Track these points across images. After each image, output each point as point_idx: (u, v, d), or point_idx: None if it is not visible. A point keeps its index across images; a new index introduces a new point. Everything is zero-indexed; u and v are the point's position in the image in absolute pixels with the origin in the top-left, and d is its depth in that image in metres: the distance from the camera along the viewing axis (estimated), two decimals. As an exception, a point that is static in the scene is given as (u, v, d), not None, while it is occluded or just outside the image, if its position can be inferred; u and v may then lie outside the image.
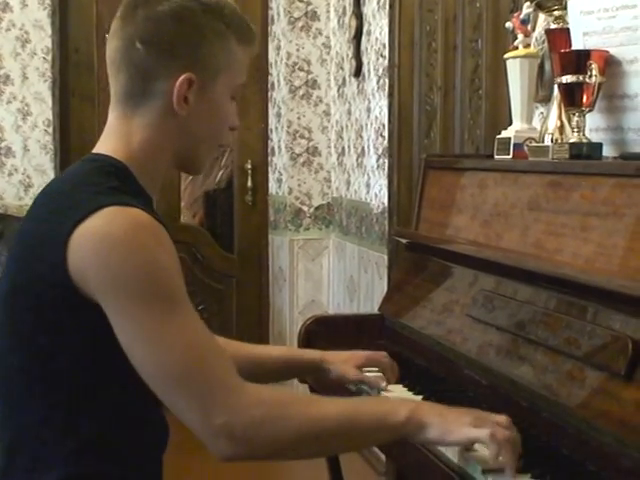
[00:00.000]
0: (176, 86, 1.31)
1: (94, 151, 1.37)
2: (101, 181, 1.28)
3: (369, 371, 1.68)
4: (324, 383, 1.68)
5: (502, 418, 1.26)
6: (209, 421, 1.19)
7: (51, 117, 4.19)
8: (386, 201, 3.39)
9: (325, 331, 2.03)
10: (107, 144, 1.36)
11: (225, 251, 4.48)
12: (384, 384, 1.63)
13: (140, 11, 1.33)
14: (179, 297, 1.23)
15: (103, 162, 1.33)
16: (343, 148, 4.03)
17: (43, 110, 4.20)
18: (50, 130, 4.20)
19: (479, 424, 1.24)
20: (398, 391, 1.64)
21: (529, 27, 2.06)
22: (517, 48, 2.03)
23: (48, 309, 1.24)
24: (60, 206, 1.26)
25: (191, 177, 4.78)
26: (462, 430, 1.24)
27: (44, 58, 4.20)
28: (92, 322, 1.21)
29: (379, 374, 1.67)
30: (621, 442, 1.19)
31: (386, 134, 3.40)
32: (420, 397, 1.59)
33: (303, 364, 1.67)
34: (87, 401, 1.26)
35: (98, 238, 1.19)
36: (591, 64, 1.65)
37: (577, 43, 1.74)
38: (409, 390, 1.64)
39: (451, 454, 1.32)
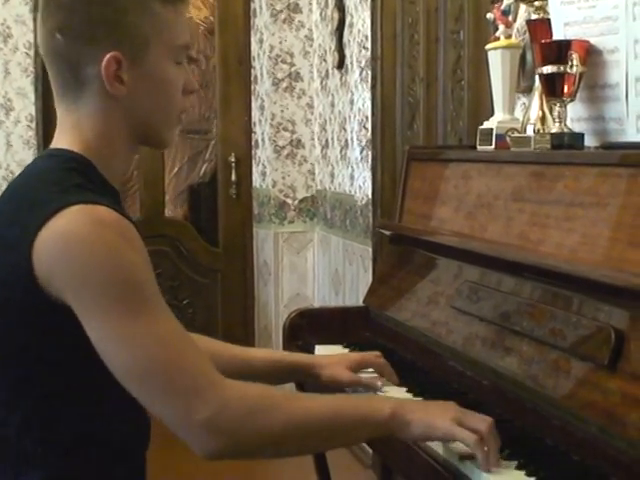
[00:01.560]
0: (103, 68, 1.27)
1: (53, 146, 1.34)
2: (64, 178, 1.25)
3: (364, 372, 1.65)
4: (316, 387, 1.66)
5: (485, 418, 1.26)
6: (190, 417, 1.16)
7: (34, 112, 4.17)
8: (370, 193, 3.39)
9: (310, 324, 2.02)
10: (62, 139, 1.32)
11: (210, 245, 4.47)
12: (380, 384, 1.60)
13: (52, 2, 1.31)
14: (149, 294, 1.20)
15: (63, 157, 1.29)
16: (327, 140, 4.03)
17: (26, 105, 4.17)
18: (33, 125, 4.18)
19: (463, 421, 1.24)
20: (394, 391, 1.62)
21: (510, 18, 2.06)
22: (498, 39, 2.03)
23: (16, 312, 1.21)
24: (23, 205, 1.23)
25: (175, 171, 4.77)
26: (446, 427, 1.24)
27: (26, 53, 4.17)
28: (62, 323, 1.19)
29: (374, 375, 1.64)
30: (605, 432, 1.19)
31: (369, 126, 3.39)
32: (420, 399, 1.56)
33: (294, 367, 1.63)
34: (65, 404, 1.24)
35: (63, 239, 1.17)
36: (572, 54, 1.65)
37: (558, 33, 1.74)
38: (408, 392, 1.61)
39: (435, 445, 1.32)
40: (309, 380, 1.65)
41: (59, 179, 1.25)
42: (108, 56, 1.27)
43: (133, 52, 1.28)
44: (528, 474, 1.20)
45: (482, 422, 1.24)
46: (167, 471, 1.63)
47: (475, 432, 1.22)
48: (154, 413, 1.21)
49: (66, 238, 1.17)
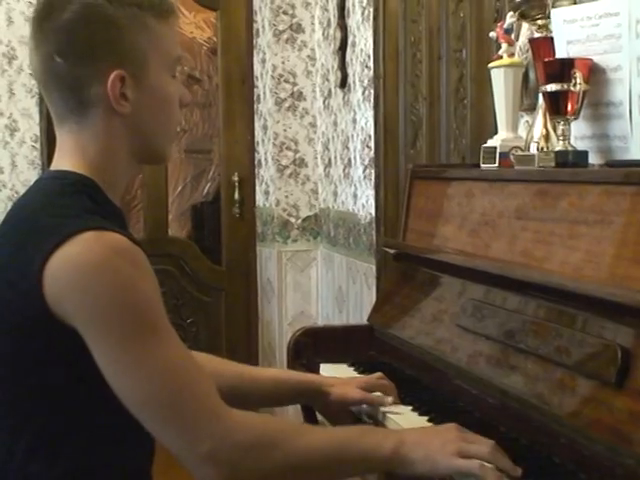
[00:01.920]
0: (109, 87, 1.27)
1: (55, 167, 1.33)
2: (73, 202, 1.25)
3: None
4: (323, 406, 1.66)
5: (487, 442, 1.26)
6: (194, 448, 1.17)
7: (38, 133, 4.18)
8: (373, 211, 3.40)
9: (314, 343, 2.02)
10: (64, 161, 1.32)
11: (213, 263, 4.47)
12: (389, 400, 1.60)
13: (46, 25, 1.28)
14: (159, 324, 1.20)
15: (69, 179, 1.29)
16: (329, 159, 4.03)
17: (30, 126, 4.19)
18: (37, 146, 4.19)
19: (465, 452, 1.24)
20: (400, 409, 1.61)
21: (513, 36, 2.07)
22: (501, 57, 2.04)
23: (25, 337, 1.21)
24: (33, 230, 1.22)
25: (178, 190, 4.78)
26: (449, 462, 1.24)
27: (31, 74, 4.16)
28: (71, 348, 1.19)
29: (379, 394, 1.65)
30: (613, 450, 1.18)
31: (372, 145, 3.40)
32: (425, 418, 1.56)
33: (302, 386, 1.64)
34: (71, 429, 1.24)
35: (75, 266, 1.16)
36: (575, 72, 1.65)
37: (561, 51, 1.75)
38: (413, 410, 1.61)
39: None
40: (318, 398, 1.65)
41: (69, 203, 1.25)
42: (113, 75, 1.27)
43: (134, 69, 1.29)
44: (536, 493, 1.19)
45: (483, 447, 1.25)
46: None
47: (481, 459, 1.23)
48: (158, 439, 1.21)
49: (78, 265, 1.16)
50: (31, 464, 1.24)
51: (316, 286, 4.22)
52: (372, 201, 3.41)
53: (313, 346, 2.02)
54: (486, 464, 1.23)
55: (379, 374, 1.69)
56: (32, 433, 1.24)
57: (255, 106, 4.38)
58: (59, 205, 1.25)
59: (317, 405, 1.72)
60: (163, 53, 1.32)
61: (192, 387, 1.19)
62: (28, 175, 4.19)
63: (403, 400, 1.65)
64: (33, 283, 1.17)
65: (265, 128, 4.29)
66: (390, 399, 1.61)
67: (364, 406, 1.64)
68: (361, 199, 3.59)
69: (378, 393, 1.65)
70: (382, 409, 1.60)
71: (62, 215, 1.22)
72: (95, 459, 1.26)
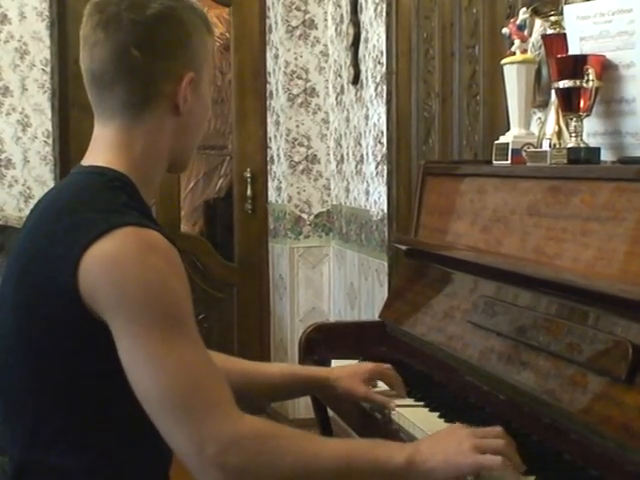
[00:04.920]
0: (182, 86, 1.31)
1: (90, 163, 1.34)
2: (111, 198, 1.26)
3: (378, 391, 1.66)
4: (330, 400, 1.66)
5: (498, 432, 1.26)
6: (201, 450, 1.16)
7: (50, 128, 4.19)
8: (385, 208, 3.40)
9: (326, 338, 2.03)
10: (104, 156, 1.32)
11: (225, 260, 4.48)
12: (393, 404, 1.59)
13: (126, 16, 1.29)
14: (185, 322, 1.21)
15: (107, 175, 1.30)
16: (342, 155, 4.04)
17: (43, 121, 4.20)
18: (50, 141, 4.20)
19: (482, 447, 1.22)
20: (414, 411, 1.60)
21: (526, 33, 2.07)
22: (514, 54, 2.04)
23: (58, 328, 1.22)
24: (68, 224, 1.24)
25: (191, 186, 4.79)
26: (471, 460, 1.21)
27: (43, 70, 4.20)
28: (101, 342, 1.20)
29: (386, 389, 1.65)
30: (623, 447, 1.18)
31: (384, 141, 3.40)
32: (436, 414, 1.56)
33: (308, 380, 1.64)
34: (100, 417, 1.25)
35: (112, 260, 1.18)
36: (588, 69, 1.65)
37: (574, 48, 1.74)
38: (424, 406, 1.61)
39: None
40: (324, 393, 1.66)
41: (108, 198, 1.26)
42: (189, 75, 1.32)
43: (196, 74, 1.33)
44: (546, 489, 1.19)
45: (498, 440, 1.24)
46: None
47: (497, 453, 1.21)
48: (166, 439, 1.20)
49: (115, 259, 1.18)
50: (53, 452, 1.25)
51: (328, 282, 4.22)
52: (384, 197, 3.41)
53: (325, 342, 2.02)
54: (504, 455, 1.21)
55: (387, 365, 1.70)
56: (57, 422, 1.25)
57: (268, 102, 4.38)
58: (98, 200, 1.26)
59: (324, 399, 1.72)
60: (210, 66, 1.38)
61: (207, 390, 1.19)
62: (40, 171, 4.20)
63: (414, 396, 1.65)
64: (69, 276, 1.19)
65: (277, 124, 4.29)
66: (394, 404, 1.60)
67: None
68: (373, 195, 3.59)
69: (381, 385, 1.65)
70: (390, 412, 1.60)
71: (101, 210, 1.24)
72: (117, 453, 1.27)
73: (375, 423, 1.63)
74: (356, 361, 1.94)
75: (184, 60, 1.32)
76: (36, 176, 4.19)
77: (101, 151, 1.33)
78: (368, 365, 1.71)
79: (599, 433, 1.24)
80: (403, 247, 2.20)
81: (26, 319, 1.25)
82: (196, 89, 1.34)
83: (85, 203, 1.27)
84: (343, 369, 1.68)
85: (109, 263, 1.18)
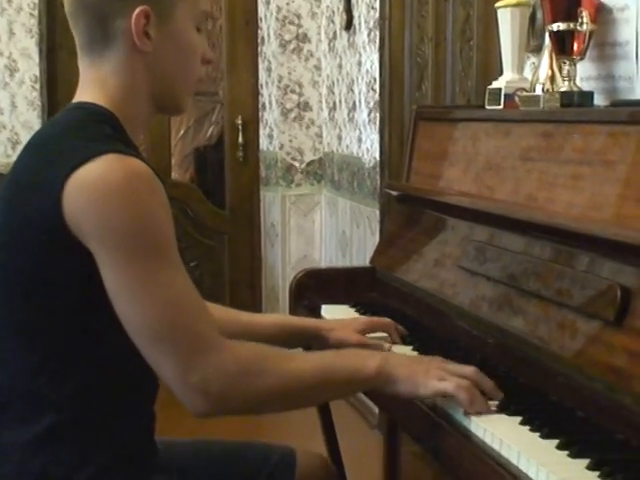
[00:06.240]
0: (132, 21, 1.29)
1: (76, 100, 1.35)
2: (95, 128, 1.27)
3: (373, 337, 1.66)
4: (325, 349, 1.67)
5: (469, 370, 1.29)
6: (185, 378, 1.19)
7: (38, 73, 4.15)
8: (378, 155, 3.38)
9: (316, 284, 2.02)
10: (86, 93, 1.34)
11: (216, 207, 4.46)
12: (387, 346, 1.61)
13: None
14: (169, 251, 1.22)
15: (91, 110, 1.31)
16: (334, 103, 4.00)
17: (30, 66, 4.15)
18: (37, 86, 4.16)
19: (445, 377, 1.27)
20: (401, 350, 1.61)
21: (520, -25, 2.03)
22: (508, -3, 2.01)
23: (43, 255, 1.23)
24: (53, 152, 1.25)
25: (181, 133, 4.76)
26: (429, 384, 1.27)
27: (30, 14, 4.14)
28: (88, 269, 1.21)
29: (384, 334, 1.66)
30: (611, 388, 1.19)
31: (377, 87, 3.37)
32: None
33: (301, 331, 1.65)
34: (85, 347, 1.27)
35: (95, 186, 1.18)
36: (582, 12, 1.63)
37: (568, -10, 1.72)
38: (413, 350, 1.61)
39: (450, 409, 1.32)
40: (317, 343, 1.66)
41: (90, 129, 1.27)
42: (138, 10, 1.29)
43: (161, 9, 1.31)
44: (532, 430, 1.20)
45: (464, 380, 1.27)
46: (172, 426, 1.64)
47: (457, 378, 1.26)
48: (153, 367, 1.23)
49: (98, 184, 1.18)
50: (40, 381, 1.26)
51: (320, 230, 4.22)
52: (377, 145, 3.39)
53: (315, 288, 2.02)
54: (462, 383, 1.25)
55: (386, 318, 1.70)
56: (42, 350, 1.27)
57: (259, 48, 4.33)
58: (82, 130, 1.27)
59: (316, 350, 1.72)
60: (191, 2, 1.35)
61: (191, 317, 1.21)
62: (28, 116, 4.16)
63: (404, 340, 1.66)
64: (54, 201, 1.19)
65: (269, 71, 4.25)
66: (388, 346, 1.61)
67: None
68: (365, 143, 3.57)
69: (379, 334, 1.66)
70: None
71: (85, 138, 1.24)
72: (101, 383, 1.28)
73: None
74: (347, 306, 1.95)
75: None
76: (24, 122, 4.15)
77: (84, 88, 1.35)
78: (364, 318, 1.72)
79: (586, 375, 1.24)
80: (394, 193, 2.19)
81: (13, 248, 1.26)
82: (164, 25, 1.31)
83: (69, 134, 1.28)
84: (337, 321, 1.70)
85: (93, 190, 1.18)
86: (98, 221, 1.18)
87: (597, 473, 1.06)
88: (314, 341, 1.66)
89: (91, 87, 1.34)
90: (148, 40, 1.31)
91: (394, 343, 1.64)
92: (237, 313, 1.64)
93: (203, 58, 1.39)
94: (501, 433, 1.19)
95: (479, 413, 1.24)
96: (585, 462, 1.09)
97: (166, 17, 1.31)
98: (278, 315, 1.76)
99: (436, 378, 1.28)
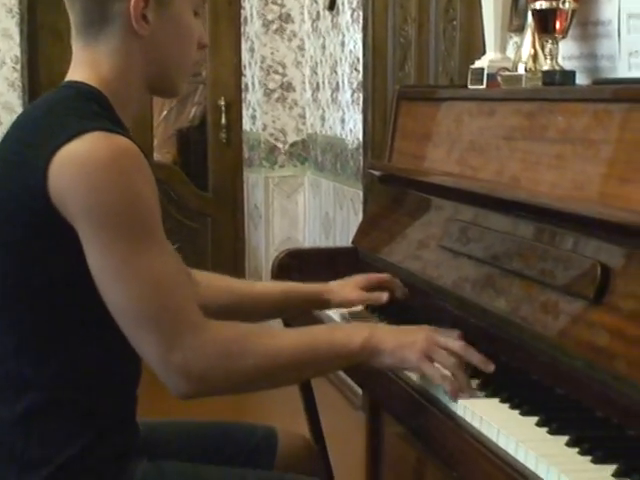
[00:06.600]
0: (131, 4, 1.28)
1: (67, 79, 1.34)
2: (82, 106, 1.26)
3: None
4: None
5: (457, 345, 1.28)
6: (167, 358, 1.19)
7: (19, 54, 4.10)
8: (361, 136, 3.37)
9: (298, 264, 2.01)
10: (78, 73, 1.33)
11: (199, 189, 4.45)
12: (384, 296, 1.64)
13: None
14: (155, 229, 1.22)
15: (80, 89, 1.30)
16: (317, 83, 3.99)
17: (11, 47, 4.11)
18: (18, 67, 4.12)
19: (432, 354, 1.27)
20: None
21: (503, -47, 2.02)
22: (491, -24, 2.00)
23: (28, 232, 1.22)
24: (40, 129, 1.25)
25: (164, 114, 4.72)
26: (416, 361, 1.27)
27: (11, -7, 4.09)
28: (72, 248, 1.20)
29: (384, 293, 1.67)
30: (591, 366, 1.19)
31: (360, 68, 3.36)
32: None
33: (303, 296, 1.67)
34: (67, 327, 1.26)
35: (80, 162, 1.18)
36: (565, -11, 1.62)
37: (551, -32, 1.71)
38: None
39: (417, 379, 1.34)
40: (319, 307, 1.70)
41: (79, 107, 1.26)
42: None
43: None
44: (512, 407, 1.20)
45: (451, 358, 1.27)
46: (154, 408, 1.63)
47: (443, 366, 1.26)
48: (135, 347, 1.22)
49: (84, 161, 1.18)
50: (21, 361, 1.26)
51: (303, 212, 4.21)
52: (360, 126, 3.38)
53: (297, 268, 2.01)
54: (447, 374, 1.25)
55: (385, 274, 1.72)
56: (24, 331, 1.26)
57: (242, 28, 4.30)
58: (69, 108, 1.26)
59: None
60: None
61: (175, 298, 1.21)
62: (8, 97, 4.12)
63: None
64: (39, 178, 1.18)
65: (252, 51, 4.22)
66: (385, 295, 1.64)
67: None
68: (349, 124, 3.55)
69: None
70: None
71: (72, 115, 1.24)
72: (82, 364, 1.28)
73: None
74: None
75: None
76: (4, 103, 4.11)
77: (76, 68, 1.34)
78: (362, 275, 1.73)
79: (566, 353, 1.24)
80: (377, 173, 2.18)
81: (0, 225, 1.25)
82: (163, 9, 1.31)
83: (56, 111, 1.27)
84: (337, 282, 1.71)
85: (79, 167, 1.18)
86: (83, 198, 1.17)
87: (576, 450, 1.07)
88: (316, 305, 1.69)
89: (83, 68, 1.33)
90: (146, 24, 1.30)
91: (394, 300, 1.66)
92: (237, 281, 1.68)
93: (199, 43, 1.39)
94: (481, 411, 1.19)
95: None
96: (564, 439, 1.09)
97: (164, 1, 1.31)
98: (281, 283, 1.75)
99: (423, 352, 1.27)
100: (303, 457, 1.62)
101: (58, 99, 1.31)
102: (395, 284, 1.71)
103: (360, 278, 1.71)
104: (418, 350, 1.27)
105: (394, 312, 1.70)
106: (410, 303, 1.79)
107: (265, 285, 1.82)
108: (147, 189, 1.21)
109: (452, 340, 1.30)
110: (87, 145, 1.18)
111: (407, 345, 1.28)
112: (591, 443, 1.06)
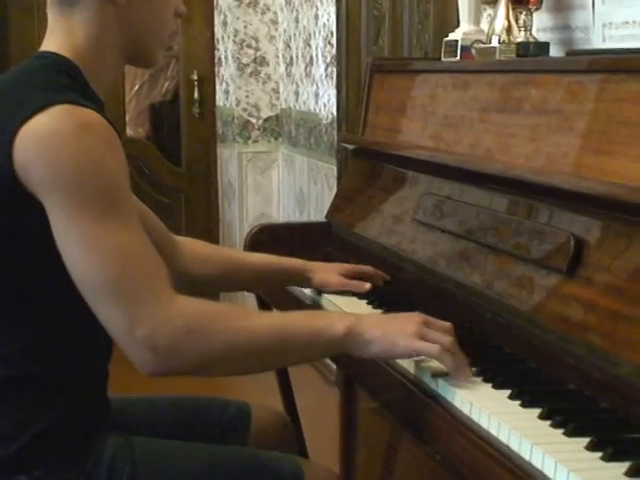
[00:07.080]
0: None
1: (40, 50, 1.32)
2: (51, 78, 1.24)
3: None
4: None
5: (446, 325, 1.24)
6: (132, 332, 1.16)
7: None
8: (335, 111, 3.34)
9: (271, 239, 2.00)
10: (51, 43, 1.31)
11: (173, 165, 4.40)
12: (367, 286, 1.63)
13: None
14: (122, 204, 1.19)
15: (51, 59, 1.28)
16: (291, 57, 3.95)
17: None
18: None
19: (424, 334, 1.20)
20: (354, 304, 1.60)
21: None
22: (465, -54, 1.98)
23: None
24: (6, 102, 1.23)
25: (136, 89, 4.67)
26: (408, 343, 1.20)
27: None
28: (40, 223, 1.18)
29: (367, 283, 1.65)
30: (563, 338, 1.19)
31: (334, 42, 3.33)
32: (379, 311, 1.56)
33: (285, 270, 1.67)
34: (36, 301, 1.25)
35: (46, 136, 1.16)
36: (539, -40, 1.61)
37: (525, -62, 1.69)
38: (368, 304, 1.61)
39: (405, 363, 1.29)
40: (300, 283, 1.70)
41: (46, 79, 1.24)
42: None
43: None
44: (485, 380, 1.20)
45: (445, 334, 1.22)
46: (126, 384, 1.62)
47: (438, 338, 1.21)
48: (101, 321, 1.20)
49: (48, 135, 1.16)
50: None
51: (277, 188, 4.19)
52: (334, 100, 3.36)
53: (270, 243, 2.00)
54: (446, 343, 1.20)
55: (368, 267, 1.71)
56: None
57: (215, 2, 4.25)
58: (36, 80, 1.25)
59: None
60: None
61: (140, 269, 1.18)
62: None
63: (355, 294, 1.65)
64: (4, 153, 1.17)
65: (225, 24, 4.17)
66: (368, 285, 1.63)
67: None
68: (323, 98, 3.53)
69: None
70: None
71: (38, 88, 1.22)
72: (53, 340, 1.27)
73: (304, 307, 1.66)
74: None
75: None
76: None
77: (50, 38, 1.33)
78: (348, 264, 1.74)
79: (539, 326, 1.24)
80: (350, 147, 2.17)
81: None
82: None
83: (23, 82, 1.26)
84: (322, 264, 1.72)
85: (43, 141, 1.16)
86: (47, 171, 1.16)
87: (549, 422, 1.06)
88: (297, 281, 1.69)
89: (57, 37, 1.31)
90: None
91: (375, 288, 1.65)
92: (227, 249, 1.73)
93: (176, 12, 1.37)
94: (454, 384, 1.18)
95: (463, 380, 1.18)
96: (537, 411, 1.09)
97: None
98: (266, 255, 1.73)
99: (414, 335, 1.20)
100: (277, 432, 1.62)
101: (26, 71, 1.29)
102: (378, 277, 1.69)
103: (345, 265, 1.71)
104: (410, 333, 1.20)
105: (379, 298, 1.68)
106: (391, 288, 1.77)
107: (253, 254, 1.80)
108: (113, 162, 1.19)
109: (442, 321, 1.25)
110: (53, 119, 1.17)
111: (395, 330, 1.21)
112: (564, 416, 1.06)
